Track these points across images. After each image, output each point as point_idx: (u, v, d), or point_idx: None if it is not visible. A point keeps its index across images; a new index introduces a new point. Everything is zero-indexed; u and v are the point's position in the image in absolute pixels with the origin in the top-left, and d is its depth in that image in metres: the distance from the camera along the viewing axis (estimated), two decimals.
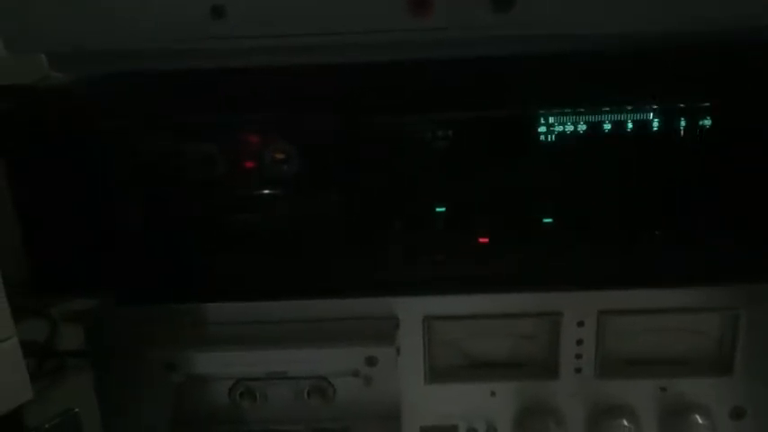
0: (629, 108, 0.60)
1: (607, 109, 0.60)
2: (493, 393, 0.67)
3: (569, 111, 0.61)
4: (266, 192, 0.65)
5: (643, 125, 0.61)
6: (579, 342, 0.66)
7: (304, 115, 0.60)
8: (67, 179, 0.61)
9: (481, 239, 0.65)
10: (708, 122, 0.60)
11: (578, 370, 0.67)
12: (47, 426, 0.62)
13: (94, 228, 0.63)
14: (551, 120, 0.61)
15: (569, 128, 0.62)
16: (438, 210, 0.64)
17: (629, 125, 0.61)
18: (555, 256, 0.65)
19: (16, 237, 0.59)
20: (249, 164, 0.63)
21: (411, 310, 0.66)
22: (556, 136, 0.62)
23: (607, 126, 0.61)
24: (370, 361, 0.64)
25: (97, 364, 0.66)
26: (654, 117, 0.61)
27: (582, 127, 0.61)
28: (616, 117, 0.61)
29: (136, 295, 0.65)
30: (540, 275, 0.65)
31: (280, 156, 0.63)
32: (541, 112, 0.61)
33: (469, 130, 0.61)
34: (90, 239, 0.64)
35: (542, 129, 0.62)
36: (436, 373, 0.67)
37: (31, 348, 0.52)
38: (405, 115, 0.61)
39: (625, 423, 0.66)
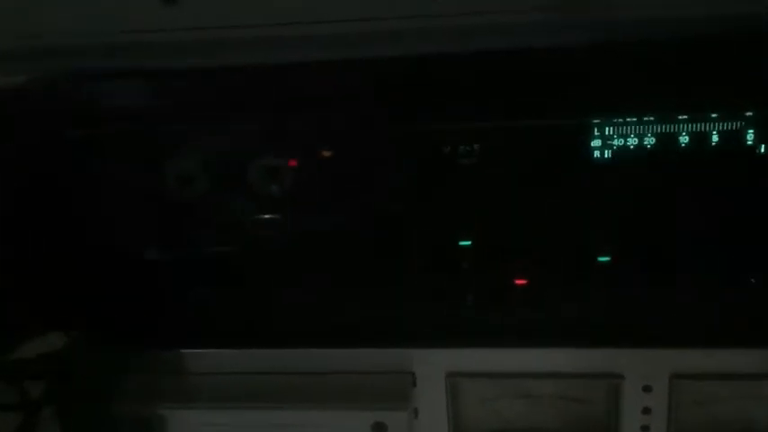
0: (716, 115, 0.50)
1: (684, 117, 0.50)
2: None
3: (632, 119, 0.51)
4: (259, 218, 0.57)
5: (731, 137, 0.50)
6: (646, 411, 0.57)
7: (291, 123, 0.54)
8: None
9: (518, 281, 0.57)
10: None
11: None
12: None
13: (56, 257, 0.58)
14: (608, 130, 0.52)
15: (632, 141, 0.52)
16: (463, 244, 0.56)
17: (713, 137, 0.51)
18: (613, 304, 0.56)
19: None
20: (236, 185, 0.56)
21: (432, 364, 0.58)
22: (614, 151, 0.52)
23: (684, 139, 0.51)
24: (379, 427, 0.55)
25: (63, 417, 0.57)
26: (747, 127, 0.49)
27: (649, 140, 0.51)
28: (696, 127, 0.50)
29: (108, 337, 0.58)
30: (593, 327, 0.56)
31: (277, 176, 0.56)
32: (595, 120, 0.51)
33: (501, 141, 0.53)
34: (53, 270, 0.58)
35: (596, 142, 0.52)
36: None
37: None
38: (417, 124, 0.52)
39: None
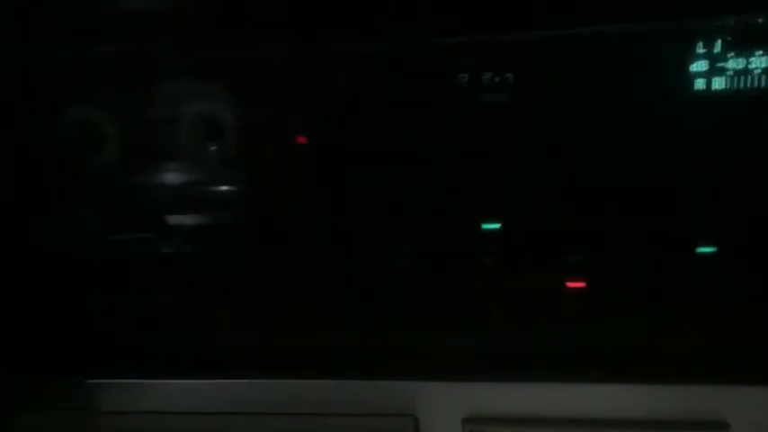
0: None
1: None
2: None
3: None
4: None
5: None
6: None
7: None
8: None
9: (571, 282, 0.46)
10: None
11: None
12: None
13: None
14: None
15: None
16: (487, 227, 0.45)
17: None
18: (711, 319, 0.45)
19: None
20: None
21: (442, 404, 0.49)
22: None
23: None
24: None
25: None
26: None
27: None
28: None
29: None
30: (682, 354, 0.46)
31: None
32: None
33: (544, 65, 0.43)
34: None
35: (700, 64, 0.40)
36: None
37: None
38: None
39: None
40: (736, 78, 0.41)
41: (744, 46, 0.41)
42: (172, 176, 0.51)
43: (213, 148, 0.49)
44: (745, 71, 0.41)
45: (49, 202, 0.52)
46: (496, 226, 0.46)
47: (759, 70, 0.41)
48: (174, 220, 0.52)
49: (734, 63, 0.40)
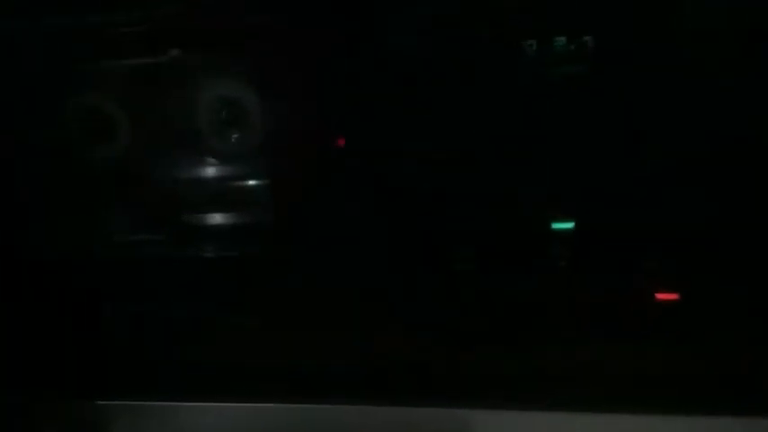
0: None
1: None
2: None
3: None
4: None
5: None
6: None
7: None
8: None
9: (661, 293, 0.38)
10: None
11: None
12: None
13: None
14: None
15: None
16: (559, 226, 0.38)
17: None
18: None
19: None
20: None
21: None
22: None
23: None
24: None
25: None
26: None
27: None
28: None
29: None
30: None
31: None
32: None
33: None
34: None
35: None
36: None
37: None
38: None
39: None
40: None
41: None
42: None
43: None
44: None
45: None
46: (569, 225, 0.39)
47: None
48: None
49: None
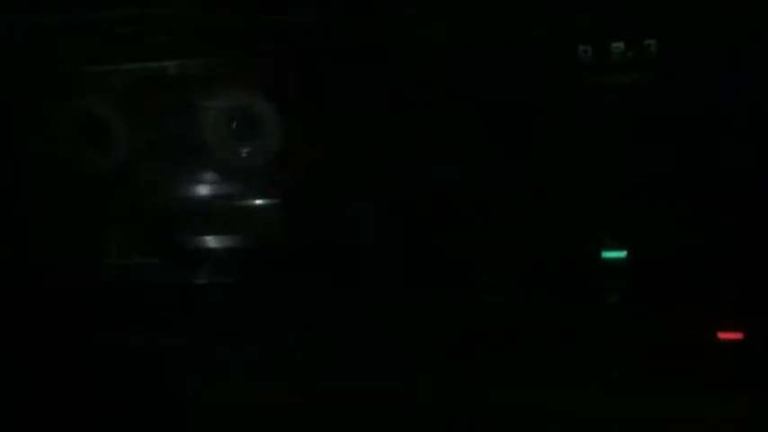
0: None
1: None
2: None
3: None
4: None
5: None
6: None
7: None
8: None
9: (725, 333, 0.33)
10: None
11: None
12: None
13: None
14: None
15: None
16: (609, 256, 0.34)
17: None
18: None
19: None
20: None
21: None
22: None
23: None
24: None
25: None
26: None
27: None
28: None
29: None
30: None
31: None
32: None
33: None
34: None
35: None
36: None
37: None
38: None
39: None
40: None
41: None
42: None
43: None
44: None
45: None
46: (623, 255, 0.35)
47: None
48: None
49: None
